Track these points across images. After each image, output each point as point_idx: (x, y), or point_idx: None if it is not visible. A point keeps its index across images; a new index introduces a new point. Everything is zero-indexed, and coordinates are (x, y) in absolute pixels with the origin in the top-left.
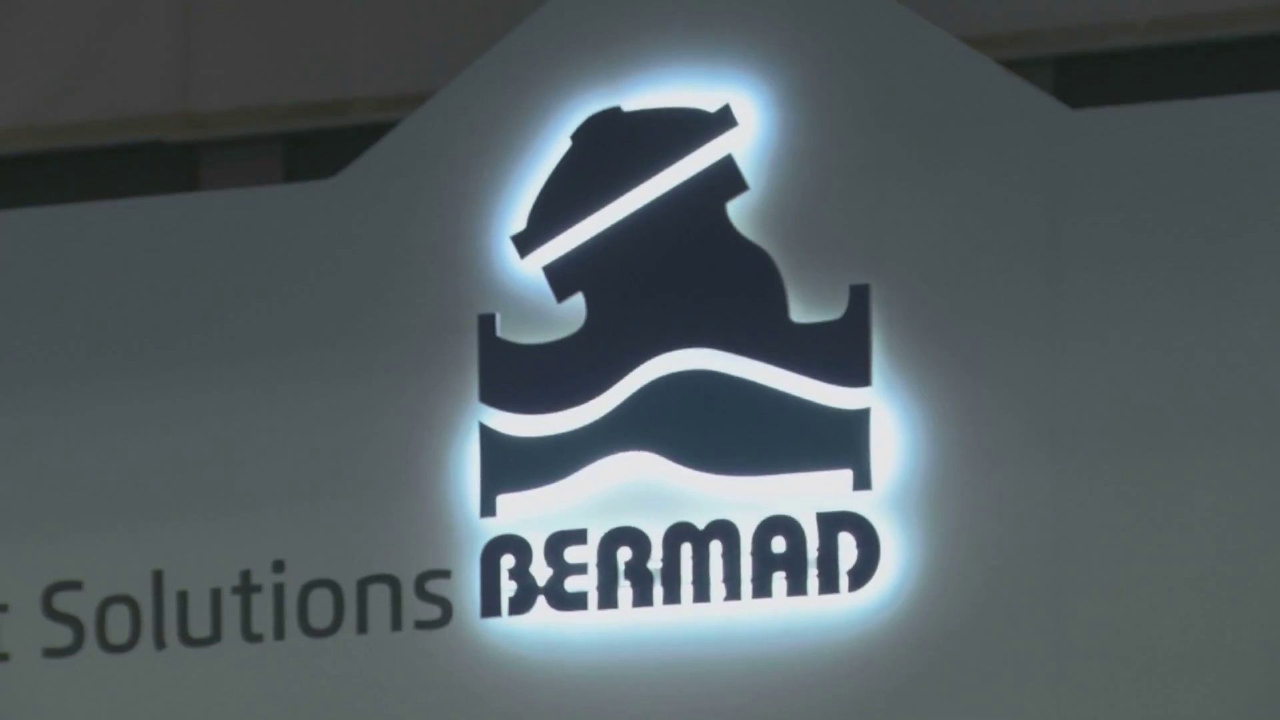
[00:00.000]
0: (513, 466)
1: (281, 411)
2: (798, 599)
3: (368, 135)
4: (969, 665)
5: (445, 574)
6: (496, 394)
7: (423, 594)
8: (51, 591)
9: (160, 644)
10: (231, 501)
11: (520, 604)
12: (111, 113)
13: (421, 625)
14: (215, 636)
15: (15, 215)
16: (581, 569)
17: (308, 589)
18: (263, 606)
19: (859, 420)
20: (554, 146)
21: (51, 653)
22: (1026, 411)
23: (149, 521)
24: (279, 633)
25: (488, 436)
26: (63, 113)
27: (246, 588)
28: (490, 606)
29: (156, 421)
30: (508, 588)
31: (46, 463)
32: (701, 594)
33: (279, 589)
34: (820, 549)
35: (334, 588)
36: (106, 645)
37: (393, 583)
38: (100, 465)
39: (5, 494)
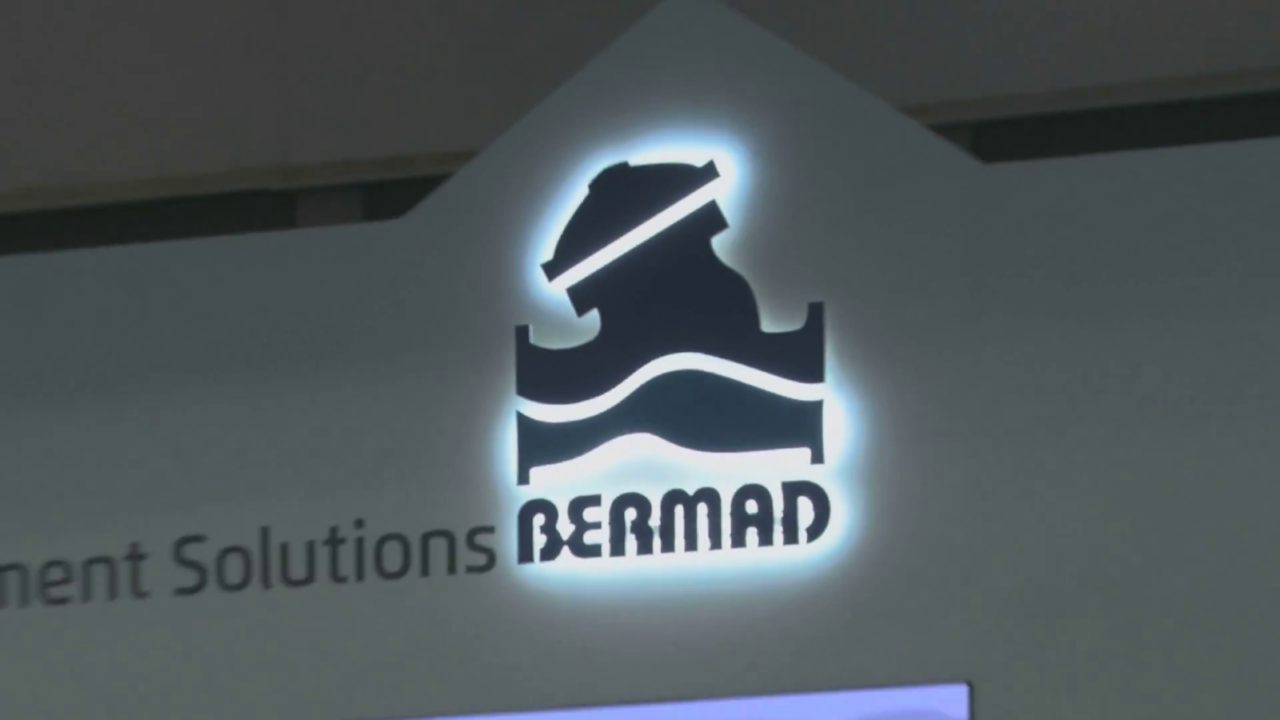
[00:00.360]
0: (542, 445)
1: (362, 403)
2: (766, 549)
3: (430, 184)
4: (900, 603)
5: (490, 529)
6: (530, 388)
7: (472, 545)
8: (181, 543)
9: (266, 585)
10: (323, 474)
11: (548, 553)
12: (227, 165)
13: (471, 570)
14: (310, 579)
15: (142, 250)
16: (596, 525)
17: (382, 541)
18: (347, 555)
19: (815, 409)
20: (575, 193)
21: (181, 591)
22: (945, 406)
23: (258, 490)
24: (359, 576)
25: (523, 422)
26: (185, 165)
27: (334, 540)
28: (525, 555)
29: (264, 413)
30: (539, 540)
31: (179, 447)
32: (691, 545)
33: (360, 541)
34: (784, 510)
35: (403, 540)
36: (224, 586)
37: (449, 536)
38: (221, 448)
39: (148, 472)
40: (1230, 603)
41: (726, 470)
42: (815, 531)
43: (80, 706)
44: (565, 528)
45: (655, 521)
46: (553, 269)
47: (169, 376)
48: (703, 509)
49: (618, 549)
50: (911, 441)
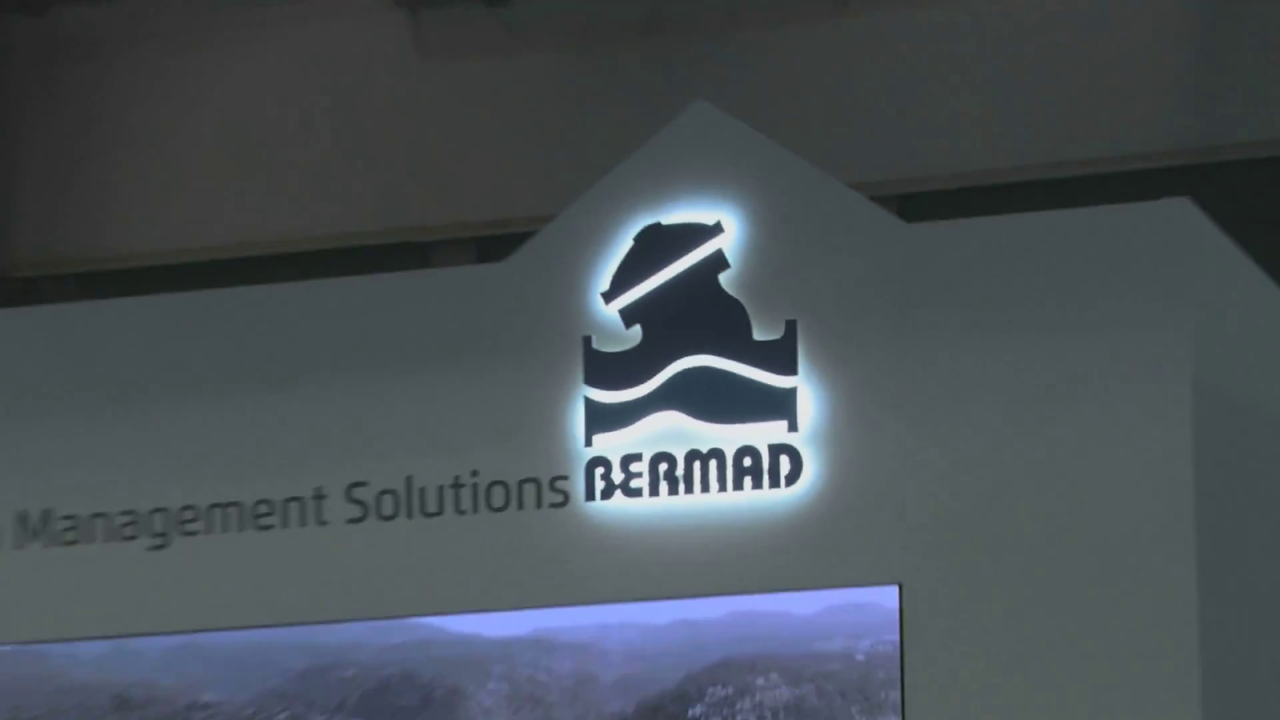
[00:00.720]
0: (601, 419)
1: (477, 390)
2: (758, 491)
3: (523, 238)
4: (851, 529)
5: (565, 477)
6: (593, 380)
7: (554, 489)
8: (351, 487)
9: (409, 516)
10: (450, 439)
11: (605, 494)
12: (382, 224)
13: (552, 505)
14: (440, 512)
15: (321, 284)
16: (639, 475)
17: (491, 485)
18: (466, 495)
19: (791, 394)
20: (625, 243)
21: (350, 521)
22: (882, 392)
23: (405, 451)
24: (475, 510)
25: (588, 403)
26: (351, 223)
27: (457, 485)
28: (589, 495)
29: (408, 396)
30: (599, 485)
31: (350, 420)
32: (705, 488)
33: (475, 486)
34: (769, 464)
35: (505, 485)
36: (381, 517)
37: (537, 482)
38: (377, 422)
39: (329, 440)
40: (1079, 524)
41: (729, 436)
42: (791, 479)
43: (280, 603)
44: (617, 476)
45: (679, 472)
46: (609, 296)
47: (344, 373)
48: (713, 463)
49: (654, 491)
50: (859, 415)
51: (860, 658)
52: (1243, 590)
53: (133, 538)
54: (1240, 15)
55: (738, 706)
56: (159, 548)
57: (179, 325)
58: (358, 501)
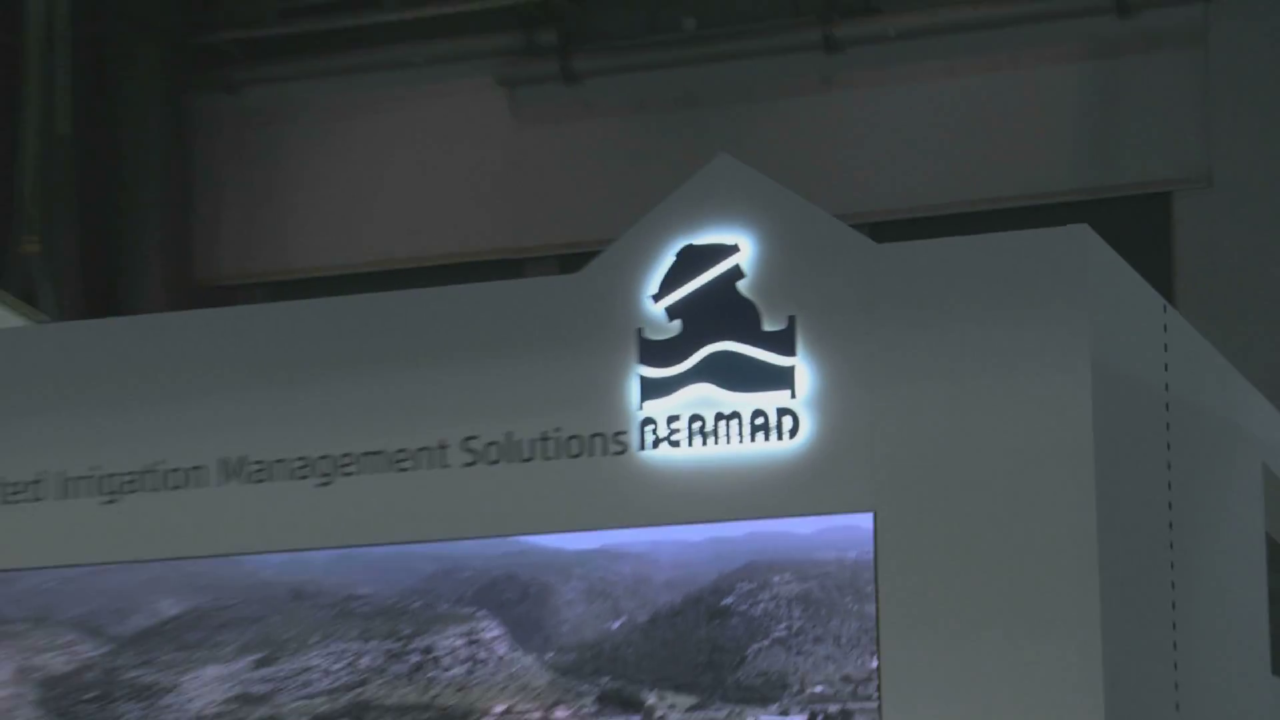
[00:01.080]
0: (651, 390)
1: (558, 370)
2: (767, 443)
3: (593, 255)
4: (836, 467)
5: (624, 433)
6: (645, 360)
7: (616, 441)
8: (465, 440)
9: (509, 461)
10: (542, 405)
11: (654, 445)
12: (486, 246)
13: (615, 454)
14: (531, 458)
15: (449, 290)
16: (679, 431)
17: (569, 438)
18: (551, 446)
19: (790, 370)
20: (668, 258)
21: (464, 465)
22: (856, 367)
23: (506, 413)
24: (557, 456)
25: (642, 379)
26: (478, 244)
27: (544, 438)
28: (642, 447)
29: (507, 373)
30: (648, 439)
31: (464, 390)
32: (728, 441)
33: (557, 439)
34: (776, 422)
35: (580, 438)
36: (488, 462)
37: (603, 436)
38: (483, 391)
39: (449, 405)
40: (1005, 466)
41: (745, 402)
42: (792, 434)
43: (413, 525)
44: (662, 432)
45: (709, 429)
46: (656, 298)
47: (461, 356)
48: (734, 422)
49: (689, 444)
50: (840, 386)
51: (849, 563)
52: (1130, 504)
53: (305, 477)
54: (1120, 89)
55: (759, 597)
56: (324, 484)
57: (340, 321)
58: (471, 450)
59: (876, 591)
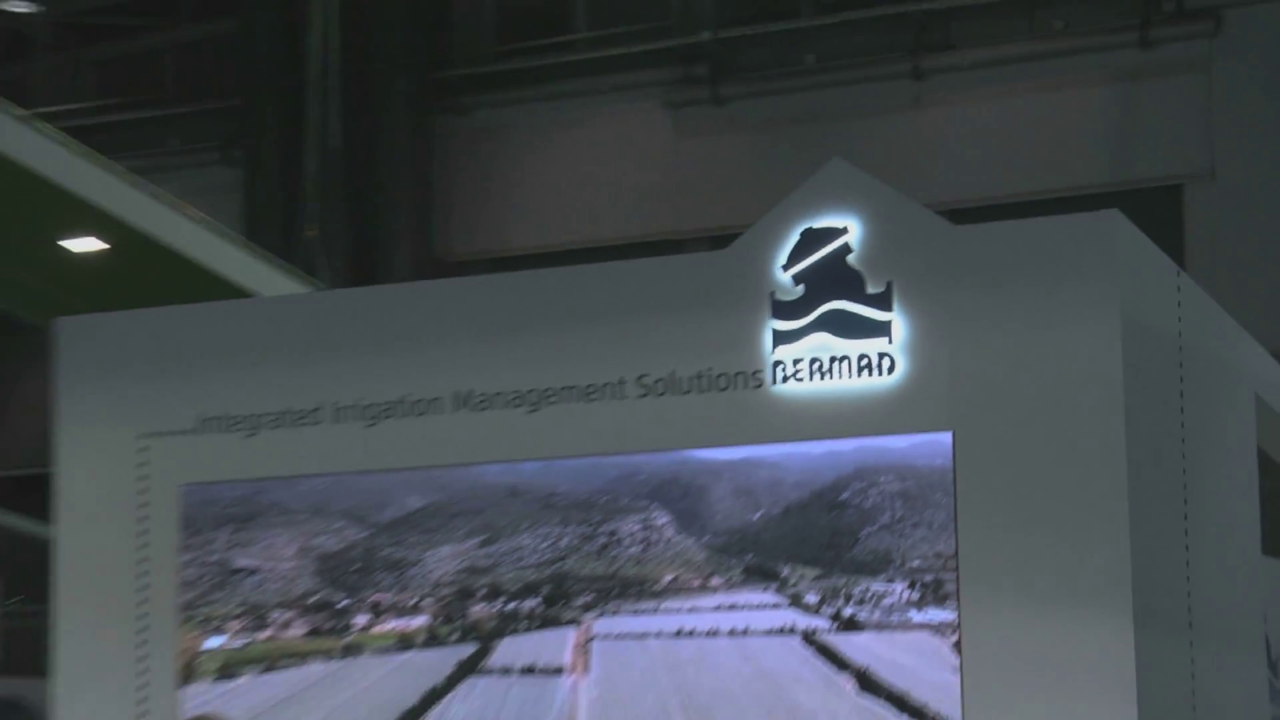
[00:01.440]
0: (781, 339)
1: (713, 325)
2: (871, 378)
3: (738, 234)
4: (924, 393)
5: (761, 371)
6: (777, 316)
7: (754, 378)
8: (640, 377)
9: (674, 394)
10: (701, 351)
11: (784, 381)
12: (666, 231)
13: (754, 388)
14: (690, 391)
15: (608, 265)
16: (803, 370)
17: (719, 375)
18: (706, 381)
19: (888, 324)
20: (794, 237)
21: (639, 397)
22: (935, 325)
23: (671, 357)
24: (710, 390)
25: (774, 331)
26: (637, 229)
27: (699, 376)
28: (774, 382)
29: (644, 332)
30: (779, 375)
31: (607, 344)
32: (842, 378)
33: (710, 375)
34: (878, 363)
35: (728, 375)
36: (656, 395)
37: (745, 374)
38: (659, 344)
39: (611, 356)
40: (1052, 395)
41: (854, 348)
42: (889, 371)
43: (599, 442)
44: (789, 371)
45: (826, 369)
46: (785, 267)
47: (636, 314)
48: (846, 363)
49: (811, 380)
50: (926, 334)
51: (936, 468)
52: (1151, 426)
53: (518, 406)
54: (1140, 105)
55: (869, 493)
56: (533, 412)
57: (544, 287)
58: (644, 385)
59: (955, 490)
